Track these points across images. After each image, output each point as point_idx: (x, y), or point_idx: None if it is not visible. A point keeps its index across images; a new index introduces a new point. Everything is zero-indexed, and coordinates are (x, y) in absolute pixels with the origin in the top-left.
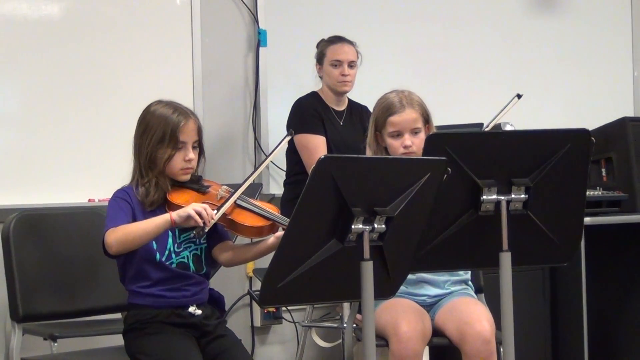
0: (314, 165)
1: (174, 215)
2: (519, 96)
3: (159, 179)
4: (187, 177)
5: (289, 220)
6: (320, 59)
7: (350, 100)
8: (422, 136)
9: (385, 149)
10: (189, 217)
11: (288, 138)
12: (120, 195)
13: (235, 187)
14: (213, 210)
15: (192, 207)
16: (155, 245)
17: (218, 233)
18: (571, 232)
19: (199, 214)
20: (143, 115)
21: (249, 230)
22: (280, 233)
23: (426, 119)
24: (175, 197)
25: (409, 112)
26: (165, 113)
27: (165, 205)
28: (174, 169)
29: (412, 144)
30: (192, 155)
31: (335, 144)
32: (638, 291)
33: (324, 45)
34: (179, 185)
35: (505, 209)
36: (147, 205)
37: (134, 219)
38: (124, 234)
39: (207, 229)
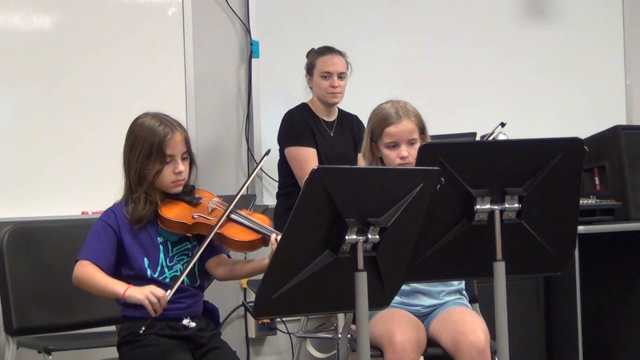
0: (307, 177)
1: (127, 294)
2: (502, 125)
3: (149, 193)
4: (179, 189)
5: (280, 233)
6: (310, 70)
7: (340, 110)
8: (418, 147)
9: (380, 160)
10: (140, 303)
11: (265, 157)
12: (105, 218)
13: (228, 198)
14: (206, 227)
15: (146, 296)
16: (147, 263)
17: (212, 246)
18: (565, 241)
19: (152, 304)
20: (131, 129)
21: (240, 245)
22: None
23: (422, 130)
24: (166, 211)
25: (406, 123)
26: (151, 126)
27: (156, 220)
28: (164, 183)
29: (409, 155)
30: (182, 167)
31: (326, 155)
32: (632, 299)
33: (314, 57)
34: (170, 197)
35: (499, 218)
36: (136, 222)
37: (120, 240)
38: (85, 277)
39: (156, 316)
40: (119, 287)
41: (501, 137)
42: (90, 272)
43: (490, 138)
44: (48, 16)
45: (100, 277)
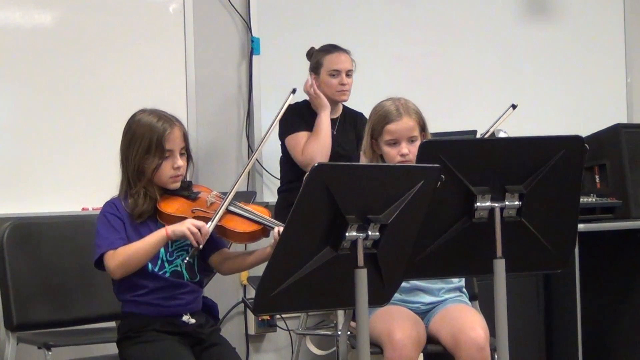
0: (307, 173)
1: (170, 231)
2: (513, 106)
3: (147, 189)
4: (177, 184)
5: (280, 223)
6: (316, 68)
7: (345, 107)
8: (418, 144)
9: (381, 157)
10: (184, 236)
11: (291, 96)
12: (109, 210)
13: (227, 193)
14: (206, 220)
15: (187, 227)
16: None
17: (213, 241)
18: (565, 239)
19: (194, 234)
20: (128, 125)
21: (240, 236)
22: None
23: (422, 127)
24: (165, 206)
25: (406, 121)
26: (150, 122)
27: (155, 215)
28: (163, 178)
29: (409, 152)
30: (181, 162)
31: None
32: (632, 297)
33: (320, 55)
34: (168, 193)
35: (499, 216)
36: (136, 217)
37: (125, 233)
38: (125, 257)
39: (200, 247)
40: (159, 233)
41: (502, 135)
42: (127, 250)
43: (501, 120)
44: (49, 13)
45: (136, 244)
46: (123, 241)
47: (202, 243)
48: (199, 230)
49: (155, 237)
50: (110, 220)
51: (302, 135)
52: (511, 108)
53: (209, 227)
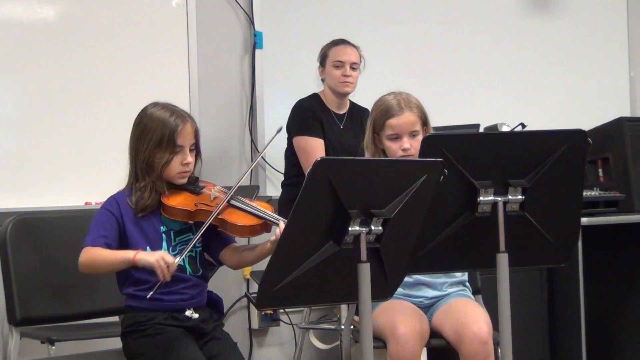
0: (310, 168)
1: (138, 257)
2: (522, 125)
3: (155, 183)
4: (185, 180)
5: (281, 218)
6: (322, 60)
7: (352, 103)
8: (420, 139)
9: (383, 151)
10: (150, 266)
11: (276, 135)
12: (108, 206)
13: (230, 188)
14: (207, 214)
15: (156, 259)
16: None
17: (221, 237)
18: (568, 233)
19: (161, 268)
20: (139, 118)
21: (241, 229)
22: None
23: (424, 122)
24: (169, 199)
25: (408, 115)
26: (162, 116)
27: (158, 209)
28: (171, 173)
29: (411, 147)
30: (190, 158)
31: (334, 147)
32: (636, 291)
33: (327, 47)
34: (174, 187)
35: (502, 210)
36: (139, 211)
37: (123, 229)
38: (90, 259)
39: (164, 281)
40: (128, 253)
41: (504, 129)
42: (96, 253)
43: None
44: (52, 7)
45: (108, 252)
46: (107, 239)
47: (167, 278)
48: (168, 266)
49: (122, 255)
50: (103, 218)
51: (315, 142)
52: (520, 126)
53: (177, 261)
